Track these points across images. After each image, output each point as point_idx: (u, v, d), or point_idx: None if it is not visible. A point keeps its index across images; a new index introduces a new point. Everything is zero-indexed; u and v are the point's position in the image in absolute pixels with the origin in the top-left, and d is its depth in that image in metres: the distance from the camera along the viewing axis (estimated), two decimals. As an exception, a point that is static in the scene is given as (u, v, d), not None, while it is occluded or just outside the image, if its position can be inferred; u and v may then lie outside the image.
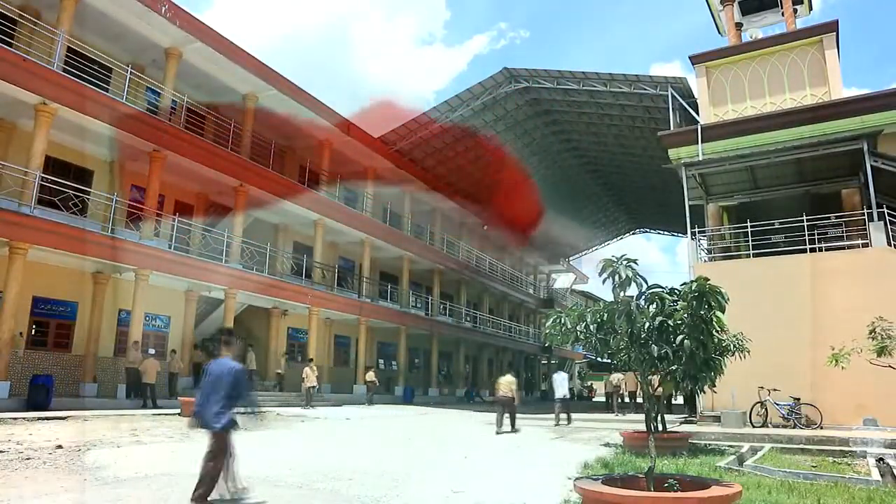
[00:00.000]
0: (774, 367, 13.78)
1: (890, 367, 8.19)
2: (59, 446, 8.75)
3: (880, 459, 9.66)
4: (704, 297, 4.69)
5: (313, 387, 19.39)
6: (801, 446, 11.24)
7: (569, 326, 5.20)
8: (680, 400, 27.76)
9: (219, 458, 5.20)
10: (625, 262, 4.86)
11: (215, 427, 5.17)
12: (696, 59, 20.07)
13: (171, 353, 18.70)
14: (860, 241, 15.00)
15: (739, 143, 18.01)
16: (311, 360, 20.94)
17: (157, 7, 16.92)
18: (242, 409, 5.43)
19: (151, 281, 16.98)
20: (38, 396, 13.52)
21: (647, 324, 4.74)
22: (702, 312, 4.69)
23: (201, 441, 8.03)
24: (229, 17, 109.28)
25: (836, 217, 15.76)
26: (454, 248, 34.07)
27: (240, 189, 20.05)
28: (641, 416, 18.63)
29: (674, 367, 4.93)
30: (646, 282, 4.89)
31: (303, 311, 22.59)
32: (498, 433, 13.05)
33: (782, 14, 21.38)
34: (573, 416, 17.38)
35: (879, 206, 14.77)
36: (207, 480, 5.13)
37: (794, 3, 21.13)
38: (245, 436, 8.65)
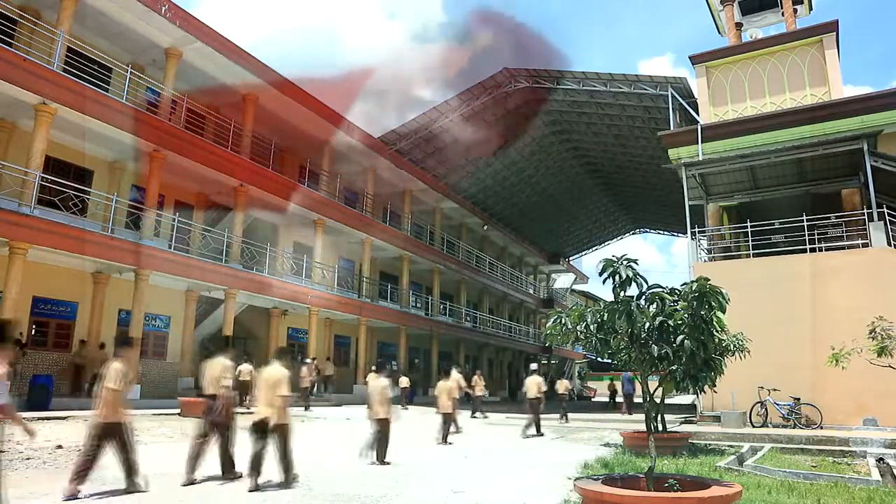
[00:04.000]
0: (774, 367, 13.78)
1: (890, 367, 8.18)
2: (59, 446, 8.76)
3: (880, 459, 9.66)
4: (705, 298, 4.69)
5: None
6: (801, 446, 11.24)
7: (569, 326, 5.20)
8: (679, 399, 27.78)
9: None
10: (625, 262, 4.86)
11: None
12: (696, 59, 20.06)
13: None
14: (860, 241, 14.99)
15: (739, 143, 18.00)
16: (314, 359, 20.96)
17: (157, 7, 16.91)
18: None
19: (151, 281, 16.96)
20: (38, 396, 13.52)
21: (648, 324, 4.74)
22: (702, 312, 4.69)
23: (201, 441, 7.92)
24: (222, 14, 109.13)
25: (836, 217, 15.75)
26: (454, 248, 34.07)
27: (240, 189, 20.05)
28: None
29: (674, 367, 4.93)
30: (646, 282, 4.89)
31: (303, 311, 22.59)
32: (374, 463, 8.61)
33: (782, 14, 21.38)
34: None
35: (879, 206, 14.76)
36: None
37: (794, 3, 21.12)
38: (244, 436, 8.66)
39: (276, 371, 6.98)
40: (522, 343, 42.56)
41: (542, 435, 13.48)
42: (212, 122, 20.36)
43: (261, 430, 6.77)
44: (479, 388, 19.79)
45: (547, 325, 5.84)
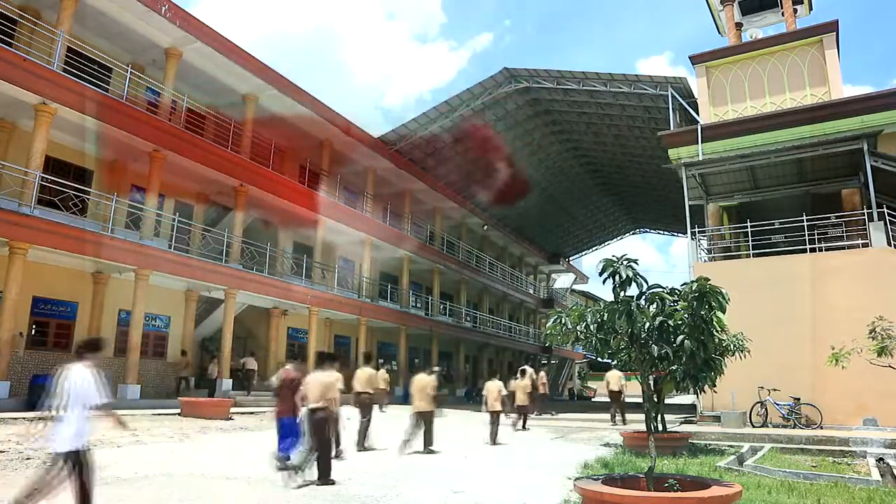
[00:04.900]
0: (774, 367, 13.78)
1: (890, 367, 8.18)
2: (59, 446, 8.73)
3: (880, 459, 9.67)
4: (705, 298, 4.69)
5: None
6: (801, 446, 11.24)
7: (569, 326, 5.20)
8: (679, 399, 27.76)
9: None
10: (625, 262, 4.86)
11: None
12: (696, 59, 20.04)
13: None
14: (860, 241, 14.99)
15: (739, 143, 17.99)
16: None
17: (157, 7, 16.91)
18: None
19: (151, 281, 16.96)
20: (38, 396, 13.50)
21: (648, 324, 4.74)
22: (702, 313, 4.69)
23: (201, 441, 8.01)
24: (219, 13, 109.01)
25: (837, 217, 15.75)
26: (454, 248, 34.06)
27: (240, 189, 20.05)
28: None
29: (674, 367, 4.93)
30: (646, 282, 4.88)
31: (303, 311, 22.58)
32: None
33: (782, 14, 21.37)
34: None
35: (879, 206, 14.76)
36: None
37: (794, 3, 21.11)
38: (245, 436, 8.64)
39: (425, 378, 10.04)
40: (522, 343, 42.53)
41: (626, 424, 16.01)
42: (212, 121, 20.36)
43: (418, 417, 9.75)
44: (543, 388, 20.44)
45: (547, 325, 5.86)
